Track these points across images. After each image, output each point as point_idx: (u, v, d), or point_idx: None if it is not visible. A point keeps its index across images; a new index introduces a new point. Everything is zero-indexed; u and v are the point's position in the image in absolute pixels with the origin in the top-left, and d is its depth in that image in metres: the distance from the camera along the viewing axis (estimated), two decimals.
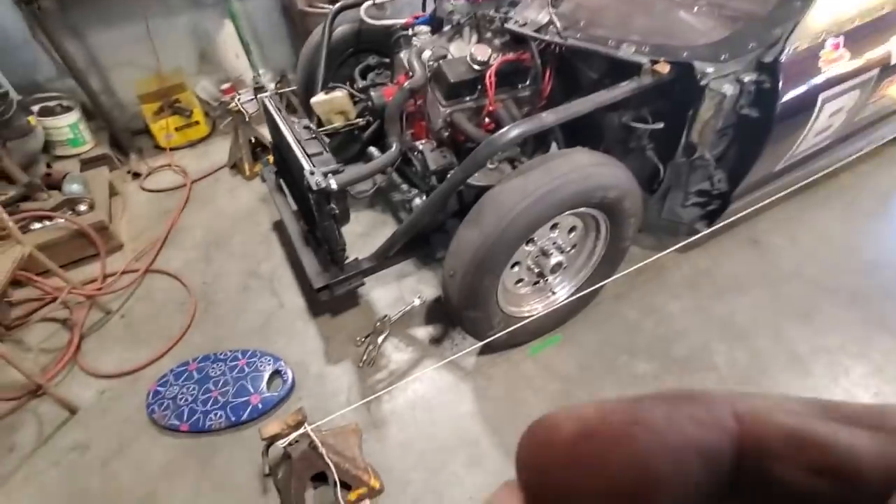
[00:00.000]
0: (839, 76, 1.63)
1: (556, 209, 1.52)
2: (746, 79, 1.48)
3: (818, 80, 1.59)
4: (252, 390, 1.94)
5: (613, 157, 2.02)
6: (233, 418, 1.87)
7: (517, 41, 1.98)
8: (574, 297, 1.94)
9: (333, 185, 1.65)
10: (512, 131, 1.48)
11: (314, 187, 1.63)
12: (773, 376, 1.86)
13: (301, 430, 1.55)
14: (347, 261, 2.00)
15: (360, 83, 2.49)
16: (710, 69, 1.48)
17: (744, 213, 2.02)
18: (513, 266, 1.74)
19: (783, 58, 1.48)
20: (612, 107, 1.74)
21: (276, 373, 2.01)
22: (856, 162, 2.33)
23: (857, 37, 1.64)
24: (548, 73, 1.92)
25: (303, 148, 1.80)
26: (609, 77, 1.81)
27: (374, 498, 1.65)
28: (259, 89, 2.95)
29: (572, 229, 1.78)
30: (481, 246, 1.49)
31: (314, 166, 1.71)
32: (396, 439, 1.80)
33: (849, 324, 1.99)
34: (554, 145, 2.12)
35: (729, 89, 1.46)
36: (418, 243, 2.06)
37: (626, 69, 1.64)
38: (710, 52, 1.51)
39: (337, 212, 1.80)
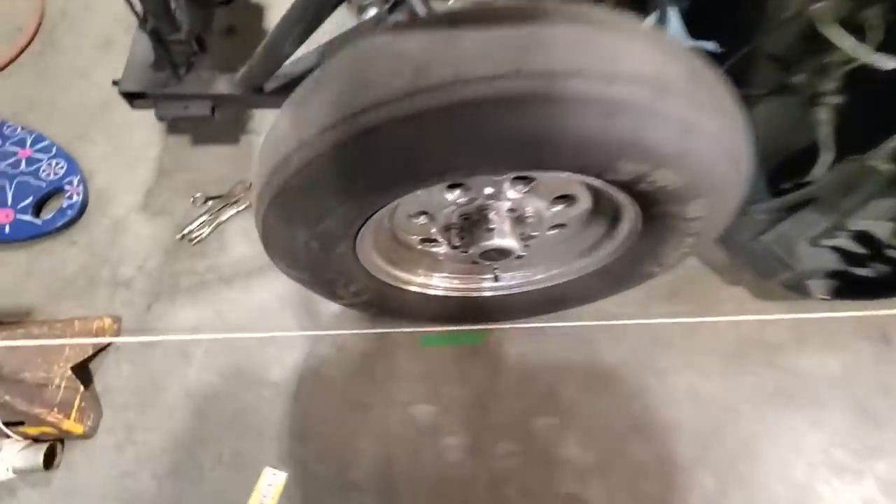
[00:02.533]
0: None
1: (484, 156, 0.58)
2: None
3: None
4: (8, 201, 1.27)
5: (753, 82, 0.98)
6: None
7: None
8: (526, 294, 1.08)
9: None
10: None
11: None
12: None
13: None
14: (200, 70, 1.14)
15: None
16: None
17: None
18: (419, 215, 0.86)
19: None
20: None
21: (59, 190, 1.31)
22: None
23: None
24: None
25: None
26: None
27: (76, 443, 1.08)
28: None
29: (564, 198, 0.84)
30: (282, 166, 0.61)
31: None
32: (157, 367, 1.17)
33: None
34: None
35: None
36: None
37: None
38: None
39: None
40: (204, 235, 1.29)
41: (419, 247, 0.97)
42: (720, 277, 1.33)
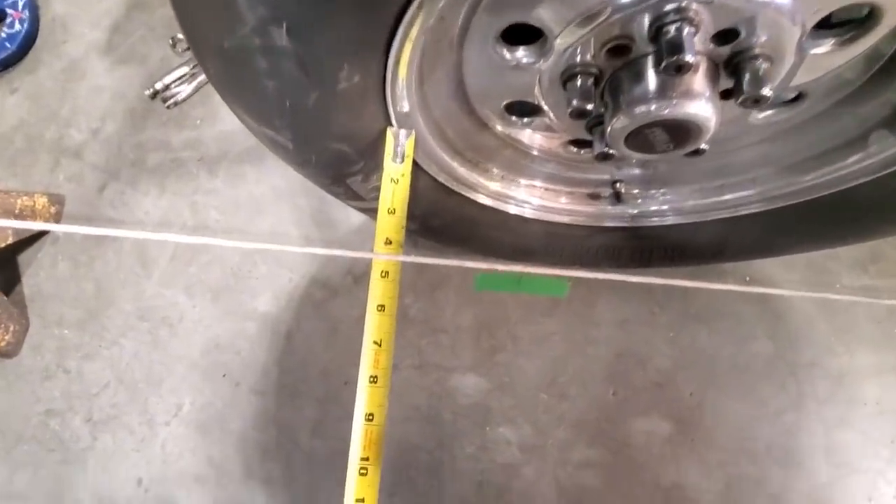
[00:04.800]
0: None
1: None
2: None
3: None
4: None
5: None
6: None
7: None
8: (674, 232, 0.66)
9: None
10: None
11: None
12: None
13: None
14: None
15: None
16: None
17: None
18: (516, 42, 0.43)
19: None
20: None
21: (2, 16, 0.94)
22: None
23: None
24: None
25: None
26: None
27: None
28: None
29: (835, 25, 0.38)
30: None
31: None
32: (105, 272, 0.83)
33: None
34: None
35: None
36: None
37: None
38: None
39: None
40: (183, 96, 0.90)
41: (499, 126, 0.55)
42: None
